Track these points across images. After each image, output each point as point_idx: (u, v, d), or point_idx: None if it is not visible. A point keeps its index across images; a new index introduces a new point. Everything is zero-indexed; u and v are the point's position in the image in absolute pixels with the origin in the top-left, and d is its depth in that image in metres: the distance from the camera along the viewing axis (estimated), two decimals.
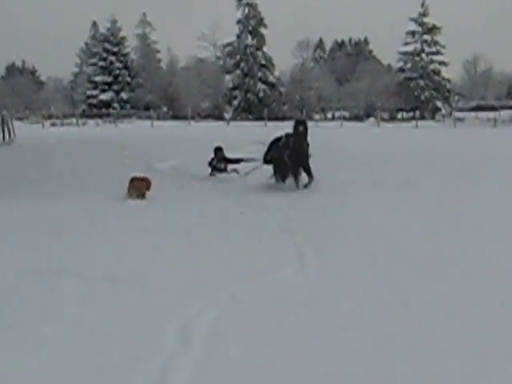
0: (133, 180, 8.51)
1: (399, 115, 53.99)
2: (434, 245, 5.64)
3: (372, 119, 49.17)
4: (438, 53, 54.25)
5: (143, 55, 58.87)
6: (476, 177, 11.03)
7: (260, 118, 47.39)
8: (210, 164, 11.73)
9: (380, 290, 4.26)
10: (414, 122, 44.21)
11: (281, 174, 9.95)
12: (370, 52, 75.64)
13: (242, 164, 11.63)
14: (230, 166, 11.71)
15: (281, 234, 6.21)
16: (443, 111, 52.77)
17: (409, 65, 54.44)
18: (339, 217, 7.36)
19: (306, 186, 9.58)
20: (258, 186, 9.90)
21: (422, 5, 53.01)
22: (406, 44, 54.74)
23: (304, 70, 58.93)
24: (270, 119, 45.22)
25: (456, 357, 3.11)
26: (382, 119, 47.37)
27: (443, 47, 54.16)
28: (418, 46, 54.00)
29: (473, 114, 51.57)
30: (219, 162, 11.73)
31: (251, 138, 21.63)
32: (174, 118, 51.93)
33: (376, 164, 13.55)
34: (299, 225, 6.76)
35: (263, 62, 56.03)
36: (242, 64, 55.58)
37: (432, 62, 54.20)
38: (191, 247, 5.64)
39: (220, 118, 52.89)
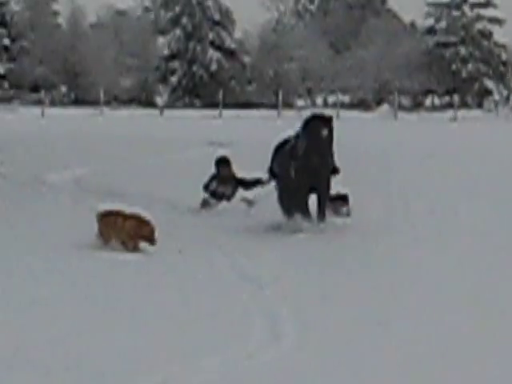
0: (111, 215, 8.41)
1: (428, 101, 55.88)
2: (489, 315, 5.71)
3: (386, 107, 51.18)
4: (488, 4, 55.84)
5: (30, 6, 58.93)
6: None
7: (212, 105, 48.41)
8: (207, 187, 11.45)
9: (389, 374, 4.36)
10: (451, 112, 44.72)
11: (287, 200, 9.77)
12: (383, 3, 74.19)
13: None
14: (241, 193, 11.51)
15: (245, 286, 6.70)
16: (496, 96, 54.18)
17: (443, 23, 56.09)
18: (333, 261, 7.82)
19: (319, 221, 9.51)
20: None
21: None
22: None
23: (281, 31, 60.28)
24: (227, 106, 45.93)
25: None
26: (402, 107, 48.37)
27: None
28: None
29: None
30: (224, 183, 11.40)
31: (199, 136, 21.57)
32: (78, 103, 52.50)
33: (393, 182, 13.93)
34: (272, 272, 7.22)
35: (217, 16, 57.25)
36: (185, 20, 56.82)
37: (479, 18, 55.59)
38: (104, 312, 5.84)
39: (150, 103, 54.03)
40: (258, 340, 5.01)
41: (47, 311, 5.76)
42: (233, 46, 57.23)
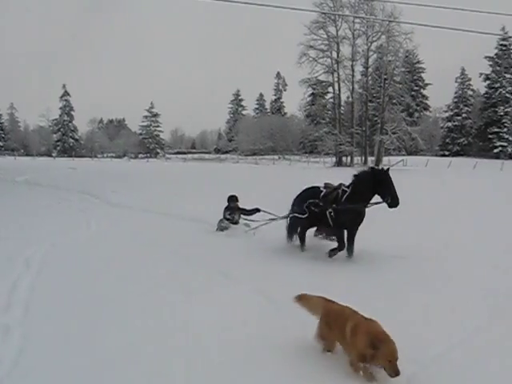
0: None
1: None
2: None
3: None
4: None
5: None
6: None
7: None
8: (224, 215, 14.56)
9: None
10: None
11: (301, 228, 12.14)
12: None
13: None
14: (244, 218, 14.46)
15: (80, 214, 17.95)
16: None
17: None
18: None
19: (331, 252, 11.35)
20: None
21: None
22: None
23: None
24: None
25: None
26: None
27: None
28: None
29: None
30: (233, 212, 14.46)
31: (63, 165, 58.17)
32: None
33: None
34: (92, 210, 18.94)
35: None
36: None
37: None
38: (25, 219, 16.59)
39: None
40: (83, 229, 14.70)
41: None
42: None
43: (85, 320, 7.16)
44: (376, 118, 77.76)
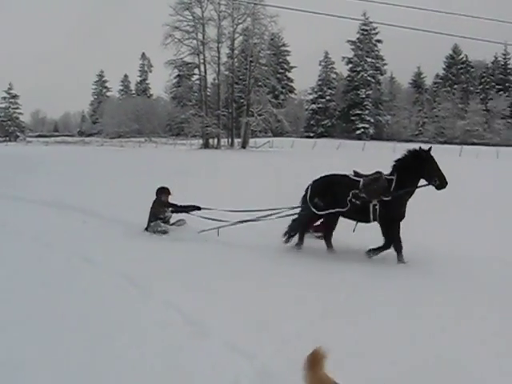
0: None
1: None
2: None
3: None
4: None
5: None
6: None
7: None
8: (155, 214, 12.33)
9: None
10: None
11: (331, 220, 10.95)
12: None
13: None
14: (176, 216, 12.53)
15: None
16: None
17: None
18: None
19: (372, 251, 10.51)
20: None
21: None
22: None
23: None
24: None
25: None
26: None
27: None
28: None
29: None
30: (162, 207, 12.31)
31: None
32: None
33: None
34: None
35: None
36: None
37: None
38: None
39: None
40: None
41: None
42: None
43: None
44: (242, 100, 78.48)
